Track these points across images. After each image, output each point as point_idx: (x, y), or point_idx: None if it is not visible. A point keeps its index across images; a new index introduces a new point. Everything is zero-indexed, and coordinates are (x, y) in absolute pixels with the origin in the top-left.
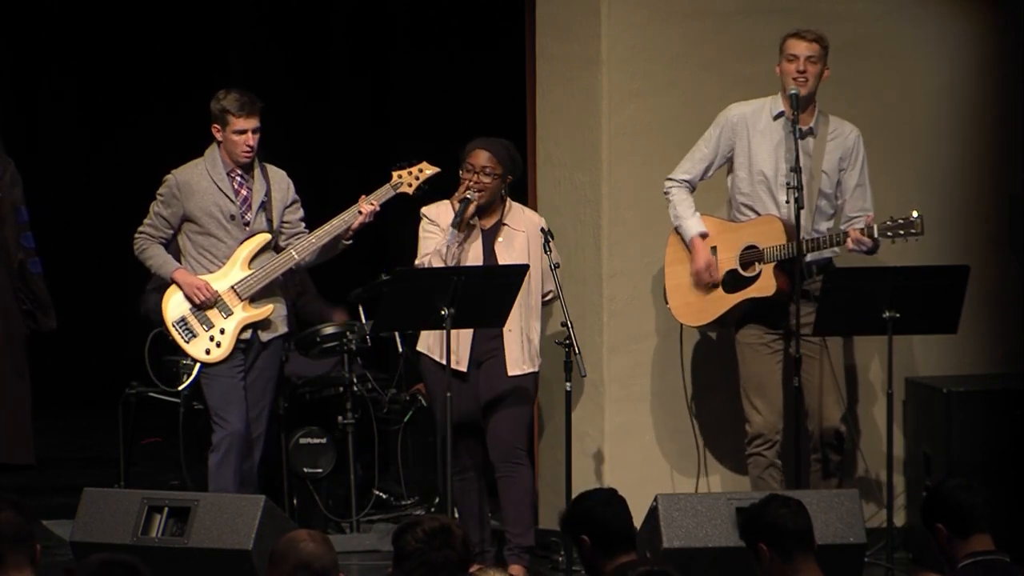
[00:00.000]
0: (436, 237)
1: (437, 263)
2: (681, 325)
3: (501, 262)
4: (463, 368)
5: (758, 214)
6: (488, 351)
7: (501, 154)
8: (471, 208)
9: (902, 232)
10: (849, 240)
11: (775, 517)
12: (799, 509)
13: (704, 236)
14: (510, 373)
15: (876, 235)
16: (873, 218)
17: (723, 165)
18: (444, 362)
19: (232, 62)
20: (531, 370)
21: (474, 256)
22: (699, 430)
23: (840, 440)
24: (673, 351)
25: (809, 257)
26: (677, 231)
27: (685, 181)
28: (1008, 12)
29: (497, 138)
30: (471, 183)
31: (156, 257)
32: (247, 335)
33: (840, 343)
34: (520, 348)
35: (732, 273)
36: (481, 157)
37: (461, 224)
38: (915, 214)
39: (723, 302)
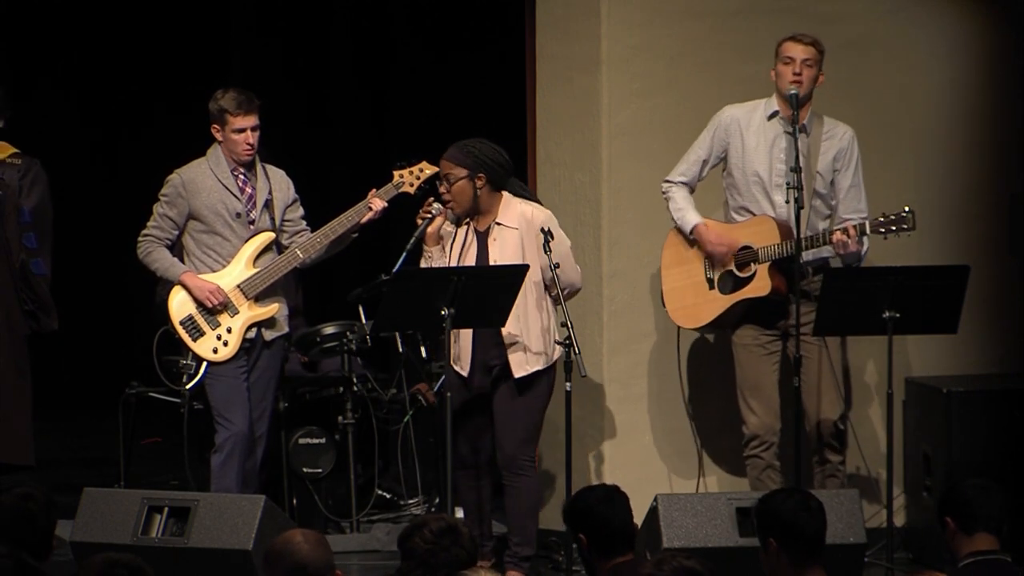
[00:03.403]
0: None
1: None
2: (679, 326)
3: (492, 262)
4: (464, 372)
5: (753, 215)
6: (496, 356)
7: (458, 157)
8: (435, 224)
9: (894, 228)
10: (833, 238)
11: (793, 517)
12: (818, 514)
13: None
14: (516, 375)
15: (868, 232)
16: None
17: (717, 165)
18: (460, 370)
19: (232, 63)
20: (535, 368)
21: (468, 259)
22: (698, 430)
23: (839, 440)
24: (673, 351)
25: (806, 257)
26: (679, 229)
27: (682, 182)
28: (1008, 12)
29: (471, 139)
30: (441, 193)
31: (161, 260)
32: (251, 334)
33: (838, 342)
34: (522, 350)
35: (728, 274)
36: (442, 165)
37: (426, 240)
38: (906, 209)
39: (719, 304)
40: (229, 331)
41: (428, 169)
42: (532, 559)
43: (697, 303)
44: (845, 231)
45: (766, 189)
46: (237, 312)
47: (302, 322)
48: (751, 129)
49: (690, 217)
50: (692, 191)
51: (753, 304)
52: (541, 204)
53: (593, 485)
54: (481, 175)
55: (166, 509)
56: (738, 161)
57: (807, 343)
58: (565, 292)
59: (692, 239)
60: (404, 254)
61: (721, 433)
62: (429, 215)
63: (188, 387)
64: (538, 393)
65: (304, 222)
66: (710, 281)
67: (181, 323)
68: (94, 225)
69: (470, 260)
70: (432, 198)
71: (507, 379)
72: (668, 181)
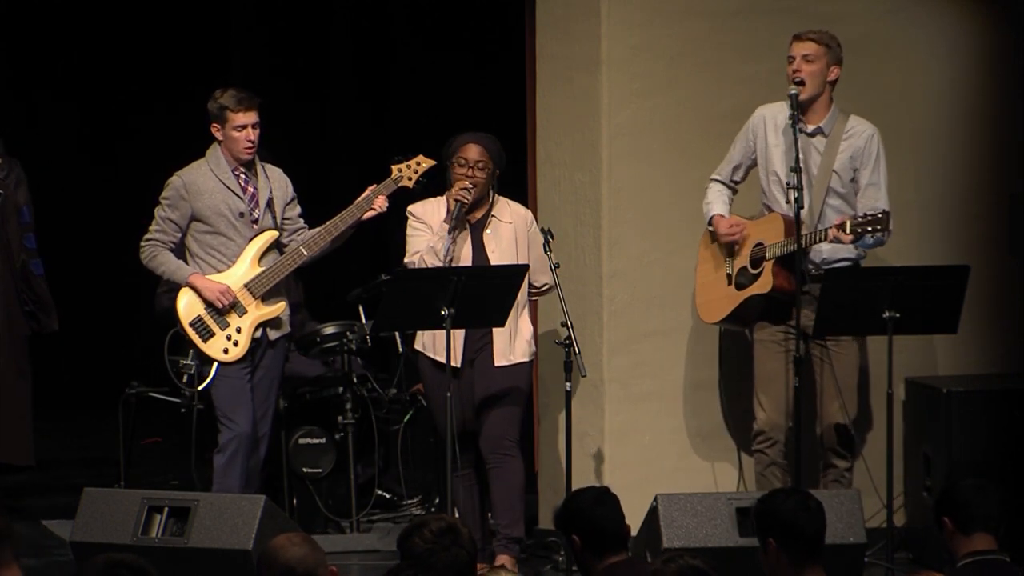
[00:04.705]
0: (424, 235)
1: (432, 261)
2: (690, 324)
3: (489, 253)
4: (457, 364)
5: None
6: (479, 348)
7: (491, 148)
8: (464, 208)
9: (869, 228)
10: (829, 233)
11: (792, 517)
12: (818, 514)
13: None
14: (496, 364)
15: (848, 231)
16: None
17: (752, 166)
18: (438, 358)
19: (232, 63)
20: (519, 360)
21: (463, 249)
22: (700, 430)
23: (846, 448)
24: (673, 351)
25: (825, 256)
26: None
27: (716, 179)
28: (1008, 12)
29: (481, 132)
30: (466, 178)
31: (167, 263)
32: (258, 334)
33: (856, 347)
34: (508, 340)
35: (744, 271)
36: (474, 151)
37: (459, 224)
38: (882, 211)
39: (733, 299)
40: (239, 331)
41: (425, 163)
42: (520, 541)
43: (718, 298)
44: (839, 227)
45: (784, 188)
46: (245, 312)
47: (306, 316)
48: (775, 128)
49: (711, 209)
50: (734, 192)
51: (770, 302)
52: None
53: (583, 488)
54: (497, 172)
55: (166, 509)
56: (763, 160)
57: (816, 345)
58: (540, 288)
59: (712, 231)
60: (448, 236)
61: (723, 432)
62: (467, 199)
63: (200, 388)
64: (521, 380)
65: (302, 220)
66: (729, 277)
67: (191, 324)
68: (94, 225)
69: (464, 249)
70: (467, 181)
71: (487, 367)
72: (710, 179)
